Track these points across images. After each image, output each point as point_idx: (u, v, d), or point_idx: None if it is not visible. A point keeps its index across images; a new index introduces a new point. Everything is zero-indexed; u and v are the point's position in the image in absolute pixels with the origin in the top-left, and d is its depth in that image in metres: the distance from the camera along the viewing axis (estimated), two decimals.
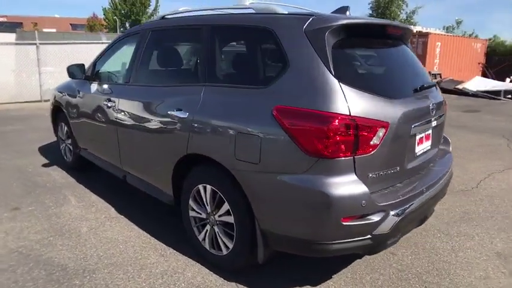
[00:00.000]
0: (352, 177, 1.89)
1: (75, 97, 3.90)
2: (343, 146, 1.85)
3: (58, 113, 4.44)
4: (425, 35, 15.92)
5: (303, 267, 2.46)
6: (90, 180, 4.04)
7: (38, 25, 34.36)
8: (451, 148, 2.93)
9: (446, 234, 2.94)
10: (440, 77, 15.00)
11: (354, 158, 1.88)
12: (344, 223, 1.87)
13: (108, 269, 2.44)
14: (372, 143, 1.92)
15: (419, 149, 2.34)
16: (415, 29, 18.64)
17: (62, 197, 3.60)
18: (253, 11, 2.38)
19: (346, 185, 1.87)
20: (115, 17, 30.58)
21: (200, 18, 2.75)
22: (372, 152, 1.93)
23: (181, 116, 2.43)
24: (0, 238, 2.82)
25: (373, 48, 2.54)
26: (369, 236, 1.95)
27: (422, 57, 14.79)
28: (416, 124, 2.22)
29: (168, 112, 2.53)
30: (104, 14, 31.62)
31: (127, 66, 3.24)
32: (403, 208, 2.04)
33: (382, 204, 1.95)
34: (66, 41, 11.09)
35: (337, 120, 1.83)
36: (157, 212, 3.25)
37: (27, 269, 2.44)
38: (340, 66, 1.97)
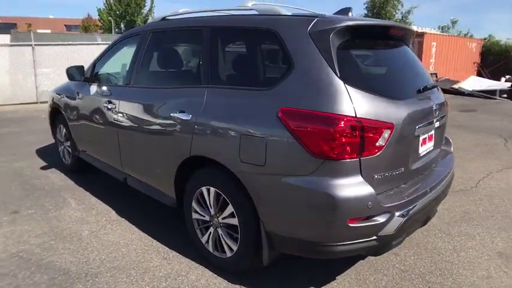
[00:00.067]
0: (358, 178, 1.89)
1: (74, 99, 3.87)
2: (349, 148, 1.85)
3: (56, 115, 4.40)
4: (420, 35, 15.98)
5: (307, 268, 2.46)
6: (89, 182, 4.01)
7: (32, 26, 34.02)
8: (452, 149, 2.94)
9: (448, 234, 2.95)
10: (436, 76, 15.06)
11: (359, 159, 1.88)
12: (350, 225, 1.87)
13: (111, 272, 2.42)
14: (377, 144, 1.92)
15: (422, 150, 2.35)
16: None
17: (62, 200, 3.57)
18: (256, 13, 2.36)
19: (352, 187, 1.87)
20: (110, 18, 30.37)
21: (203, 19, 2.73)
22: (378, 154, 1.93)
23: (184, 118, 2.42)
24: (0, 242, 2.79)
25: (376, 49, 2.54)
26: (374, 237, 1.96)
27: (418, 57, 14.78)
28: (420, 125, 2.22)
29: (171, 114, 2.52)
30: (99, 15, 31.39)
31: (127, 68, 3.22)
32: (408, 209, 2.04)
33: (387, 205, 1.95)
34: (62, 42, 10.98)
35: (343, 122, 1.83)
36: (159, 214, 3.23)
37: (29, 273, 2.41)
38: (345, 67, 1.97)
